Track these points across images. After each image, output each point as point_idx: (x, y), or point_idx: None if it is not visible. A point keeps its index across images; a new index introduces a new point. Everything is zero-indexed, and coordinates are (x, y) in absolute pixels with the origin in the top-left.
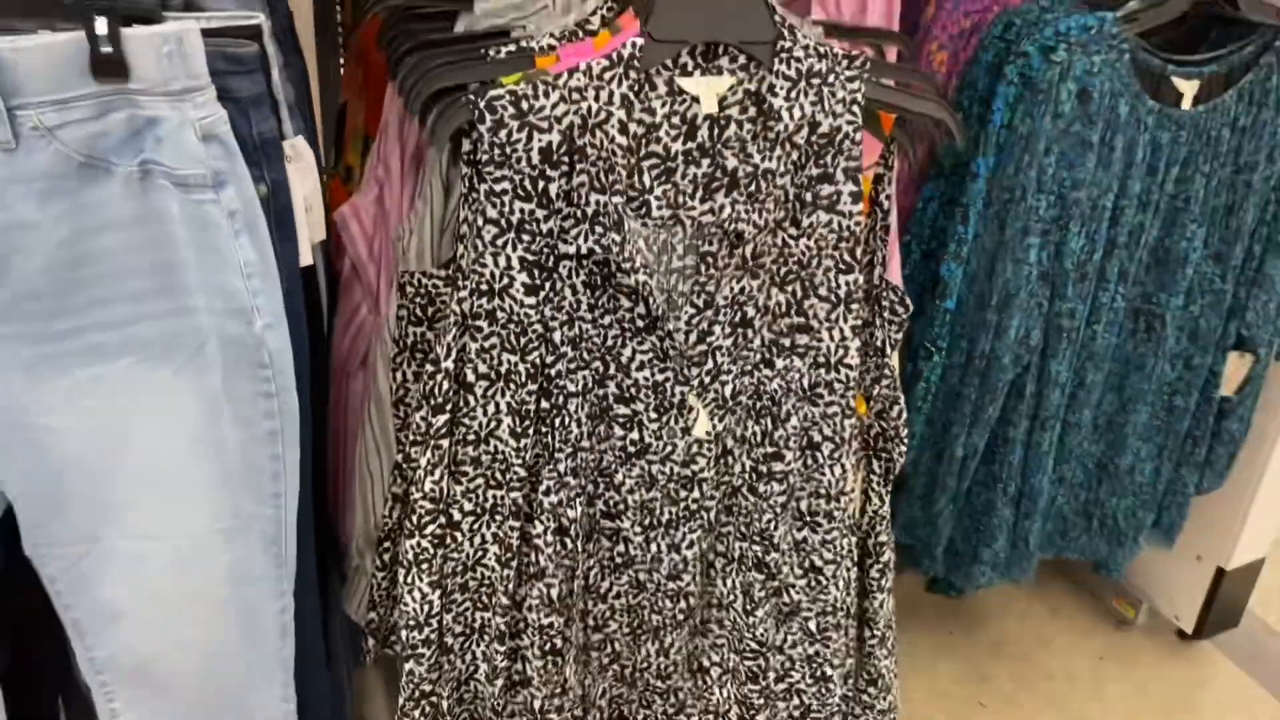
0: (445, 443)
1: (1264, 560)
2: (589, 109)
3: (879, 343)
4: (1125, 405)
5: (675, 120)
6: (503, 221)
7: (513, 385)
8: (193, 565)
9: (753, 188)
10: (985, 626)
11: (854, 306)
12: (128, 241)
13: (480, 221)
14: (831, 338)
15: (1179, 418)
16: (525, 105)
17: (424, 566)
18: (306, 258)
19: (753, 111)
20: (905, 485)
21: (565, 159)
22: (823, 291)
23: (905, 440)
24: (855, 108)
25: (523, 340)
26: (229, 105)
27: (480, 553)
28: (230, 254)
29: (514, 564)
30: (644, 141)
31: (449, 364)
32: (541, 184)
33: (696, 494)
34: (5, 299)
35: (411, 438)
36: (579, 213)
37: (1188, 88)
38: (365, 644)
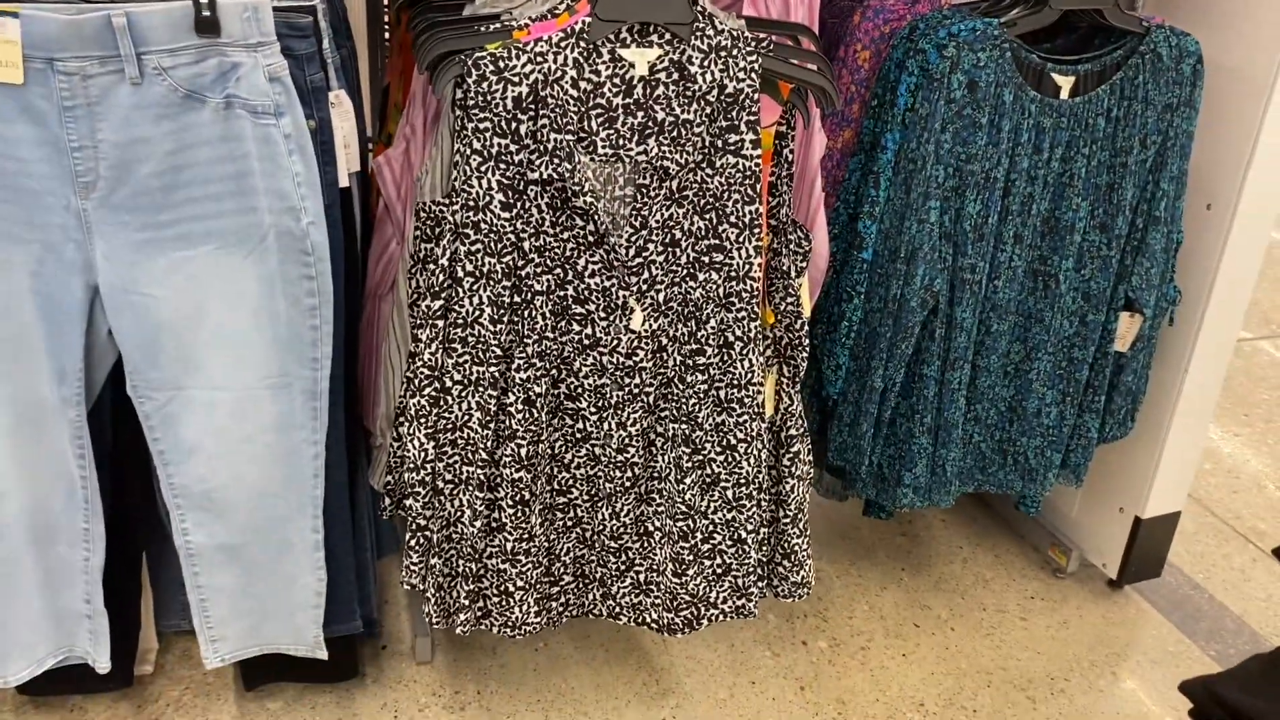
0: (440, 323)
1: (1179, 513)
2: (548, 69)
3: (785, 268)
4: (1030, 354)
5: (616, 80)
6: (485, 152)
7: (492, 282)
8: (249, 412)
9: (675, 134)
10: (931, 567)
11: (755, 231)
12: (214, 155)
13: (468, 152)
14: (740, 256)
15: (1078, 367)
16: (501, 64)
17: (421, 420)
18: (344, 180)
19: (676, 76)
20: (835, 413)
21: (531, 106)
22: (733, 219)
23: (805, 348)
24: (754, 75)
25: (499, 246)
26: (289, 59)
27: (466, 416)
28: (286, 166)
29: (491, 426)
30: (591, 95)
31: (444, 261)
32: (514, 124)
33: (637, 380)
34: (127, 194)
35: (416, 320)
36: (542, 148)
37: (1065, 82)
38: (382, 503)
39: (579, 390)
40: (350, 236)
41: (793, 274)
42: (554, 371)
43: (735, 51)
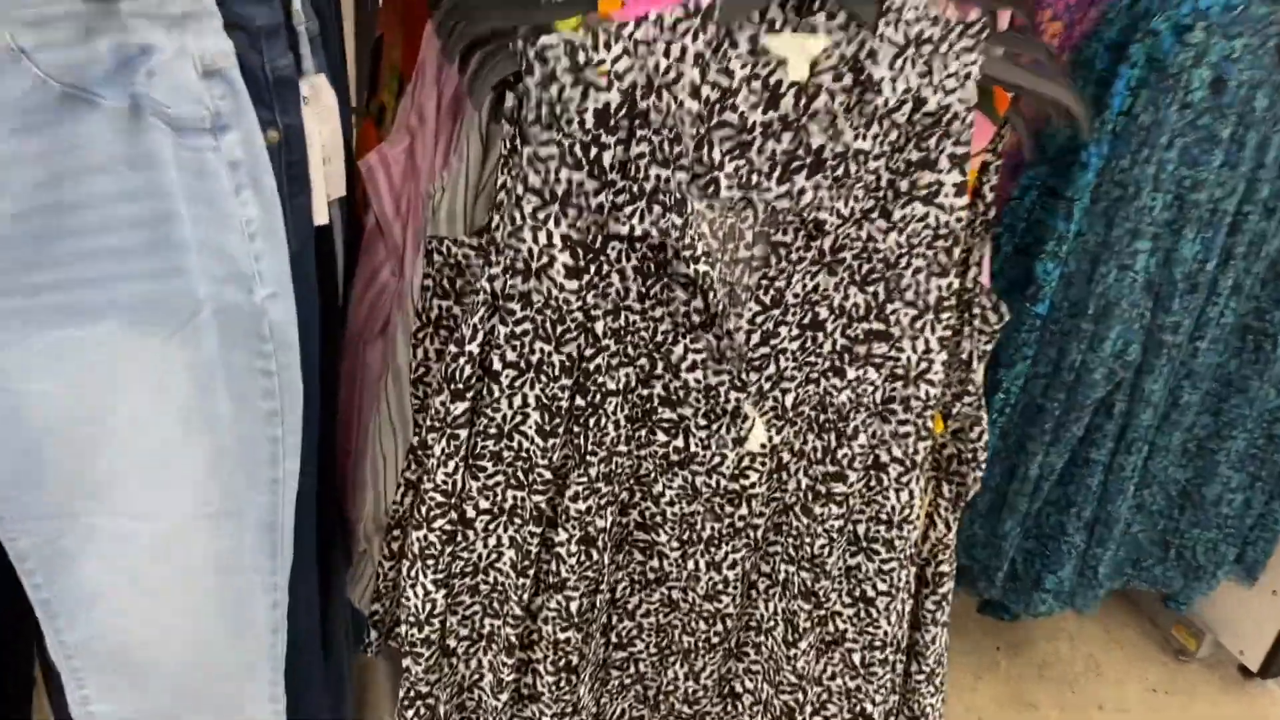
0: (464, 433)
1: None
2: (657, 66)
3: (965, 355)
4: (1221, 430)
5: (756, 85)
6: (546, 192)
7: (544, 378)
8: (178, 549)
9: (840, 170)
10: (1033, 646)
11: (944, 315)
12: (115, 188)
13: (521, 190)
14: (914, 349)
15: (1279, 447)
16: (582, 57)
17: (429, 562)
18: (321, 216)
19: (848, 80)
20: (970, 503)
21: (624, 124)
22: (909, 295)
23: (983, 465)
24: (969, 84)
25: (559, 329)
26: (238, 36)
27: (494, 555)
28: (230, 210)
29: (531, 572)
30: (717, 109)
31: (473, 347)
32: (594, 151)
33: (744, 510)
34: None
35: (428, 422)
36: (635, 188)
37: None
38: (367, 635)
39: (657, 520)
40: (330, 292)
41: (974, 362)
42: (624, 495)
43: (945, 46)
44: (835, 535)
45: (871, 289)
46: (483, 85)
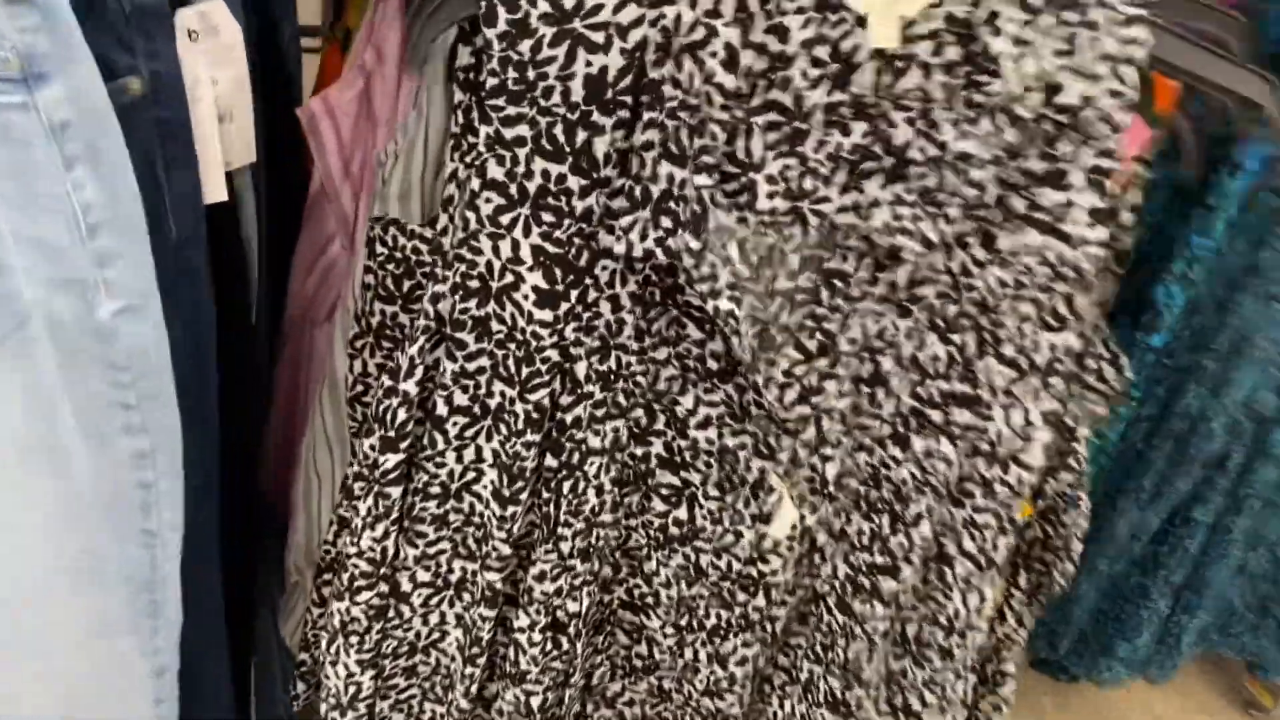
0: (395, 491)
1: None
2: (679, 19)
3: (1070, 419)
4: None
5: (820, 53)
6: (513, 188)
7: (504, 429)
8: (28, 612)
9: (931, 179)
10: (1081, 694)
11: (1053, 382)
12: None
13: (477, 183)
14: (1007, 421)
15: None
16: (570, 1)
17: (353, 640)
18: (217, 191)
19: (954, 53)
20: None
21: (627, 99)
22: (1008, 351)
23: (1075, 557)
24: (1129, 71)
25: (526, 370)
26: None
27: (437, 635)
28: (52, 191)
29: (482, 661)
30: (762, 84)
31: (409, 385)
32: (583, 135)
33: (760, 601)
34: None
35: (355, 468)
36: (638, 191)
37: None
38: (294, 685)
39: (648, 601)
40: (238, 294)
41: (1080, 430)
42: (607, 571)
43: (1097, 14)
44: (877, 639)
45: (957, 339)
46: (423, 34)
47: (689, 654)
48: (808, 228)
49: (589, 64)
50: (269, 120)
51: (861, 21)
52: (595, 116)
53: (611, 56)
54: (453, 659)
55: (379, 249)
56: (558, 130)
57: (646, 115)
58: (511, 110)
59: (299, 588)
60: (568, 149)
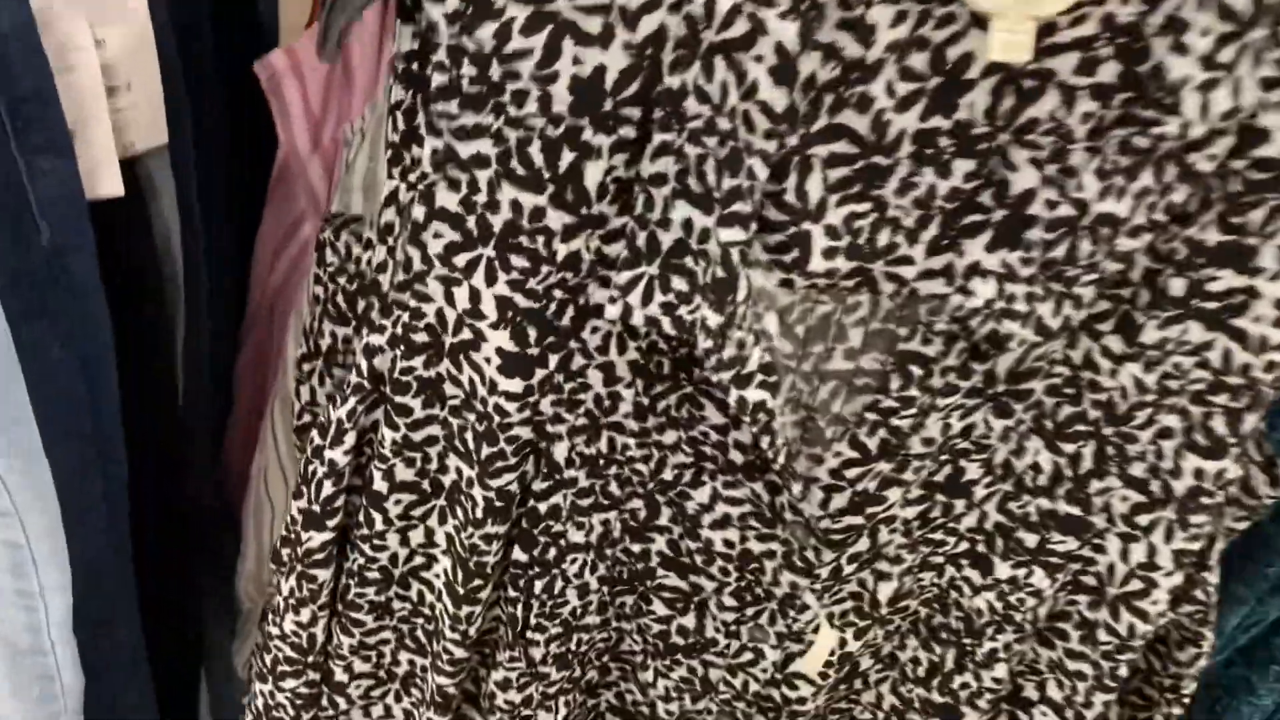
0: (323, 574)
1: None
2: (710, 7)
3: (1199, 545)
4: None
5: (917, 62)
6: (471, 222)
7: (460, 514)
8: None
9: (1060, 248)
10: None
11: (1196, 519)
12: None
13: (421, 212)
14: (1124, 558)
15: None
16: None
17: None
18: (108, 184)
19: (1111, 74)
20: None
21: (633, 112)
22: (1138, 471)
23: (1186, 701)
24: None
25: (488, 449)
26: None
27: None
28: None
29: None
30: (828, 99)
31: (336, 455)
32: (569, 158)
33: None
34: None
35: (285, 531)
36: (643, 237)
37: None
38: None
39: (643, 712)
40: (150, 311)
41: (1212, 551)
42: (593, 675)
43: None
44: None
45: (1070, 449)
46: (337, 13)
47: None
48: (878, 296)
49: (579, 61)
50: (233, 79)
51: (980, 22)
52: (587, 134)
53: (612, 53)
54: None
55: (329, 256)
56: (533, 150)
57: (659, 137)
58: (468, 120)
59: (251, 614)
60: (547, 175)
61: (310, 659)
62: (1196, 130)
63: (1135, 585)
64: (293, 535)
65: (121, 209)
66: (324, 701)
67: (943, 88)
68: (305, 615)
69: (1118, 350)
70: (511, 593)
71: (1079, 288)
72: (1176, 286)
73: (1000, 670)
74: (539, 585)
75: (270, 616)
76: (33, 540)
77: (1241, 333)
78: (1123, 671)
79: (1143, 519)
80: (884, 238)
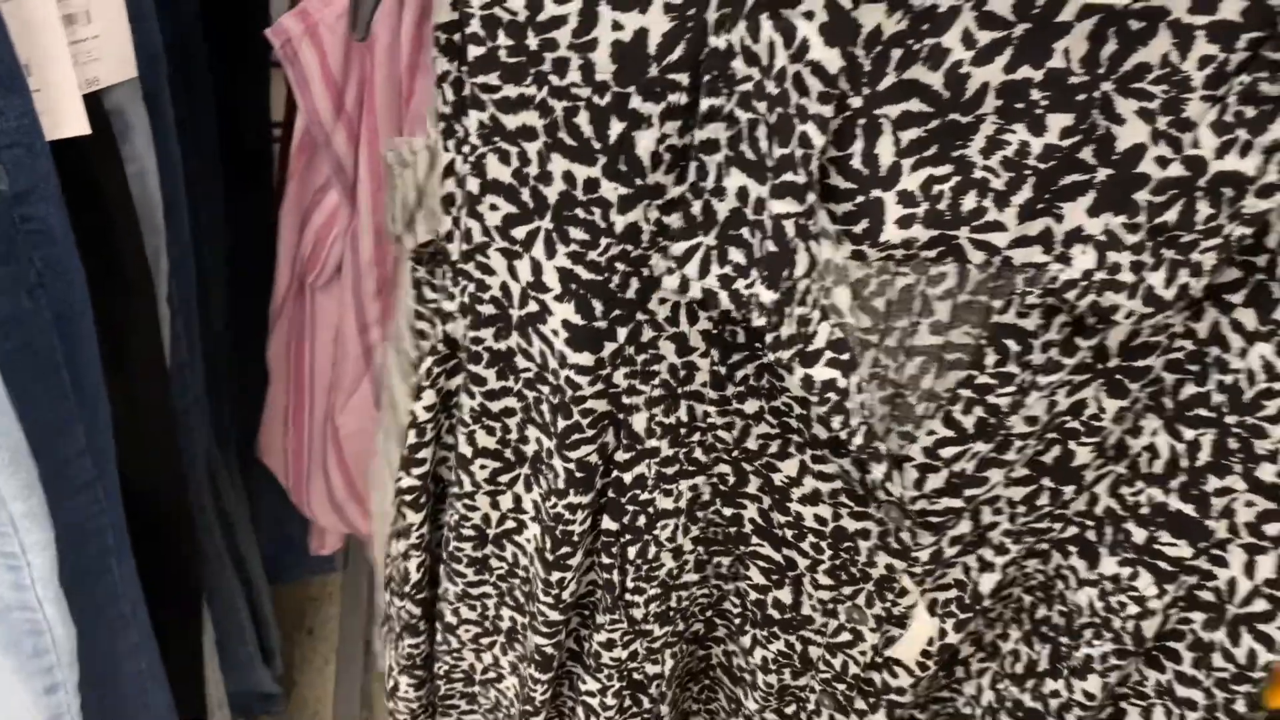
0: (415, 516)
1: None
2: None
3: None
4: None
5: (999, 7)
6: (525, 194)
7: (545, 485)
8: None
9: (1174, 210)
10: None
11: None
12: None
13: (477, 185)
14: (1247, 571)
15: None
16: None
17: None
18: (73, 122)
19: (1233, 10)
20: None
21: (681, 77)
22: (1268, 474)
23: None
24: None
25: (564, 422)
26: None
27: (493, 675)
28: None
29: (542, 717)
30: (896, 54)
31: (418, 409)
32: (619, 127)
33: (881, 717)
34: None
35: (399, 500)
36: (699, 206)
37: None
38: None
39: (744, 678)
40: (124, 242)
41: None
42: (699, 626)
43: None
44: None
45: (1191, 435)
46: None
47: None
48: (966, 266)
49: (618, 26)
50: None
51: None
52: (635, 102)
53: (652, 16)
54: (510, 704)
55: (427, 294)
56: (581, 120)
57: (708, 102)
58: (511, 91)
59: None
60: (598, 145)
61: (406, 589)
62: None
63: (1260, 605)
64: (398, 475)
65: (90, 149)
66: (438, 638)
67: (1031, 34)
68: (400, 546)
69: (1250, 326)
70: (605, 559)
71: (1197, 254)
72: None
73: (1093, 684)
74: (632, 551)
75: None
76: (8, 500)
77: None
78: (1239, 707)
79: (1272, 529)
80: (969, 202)
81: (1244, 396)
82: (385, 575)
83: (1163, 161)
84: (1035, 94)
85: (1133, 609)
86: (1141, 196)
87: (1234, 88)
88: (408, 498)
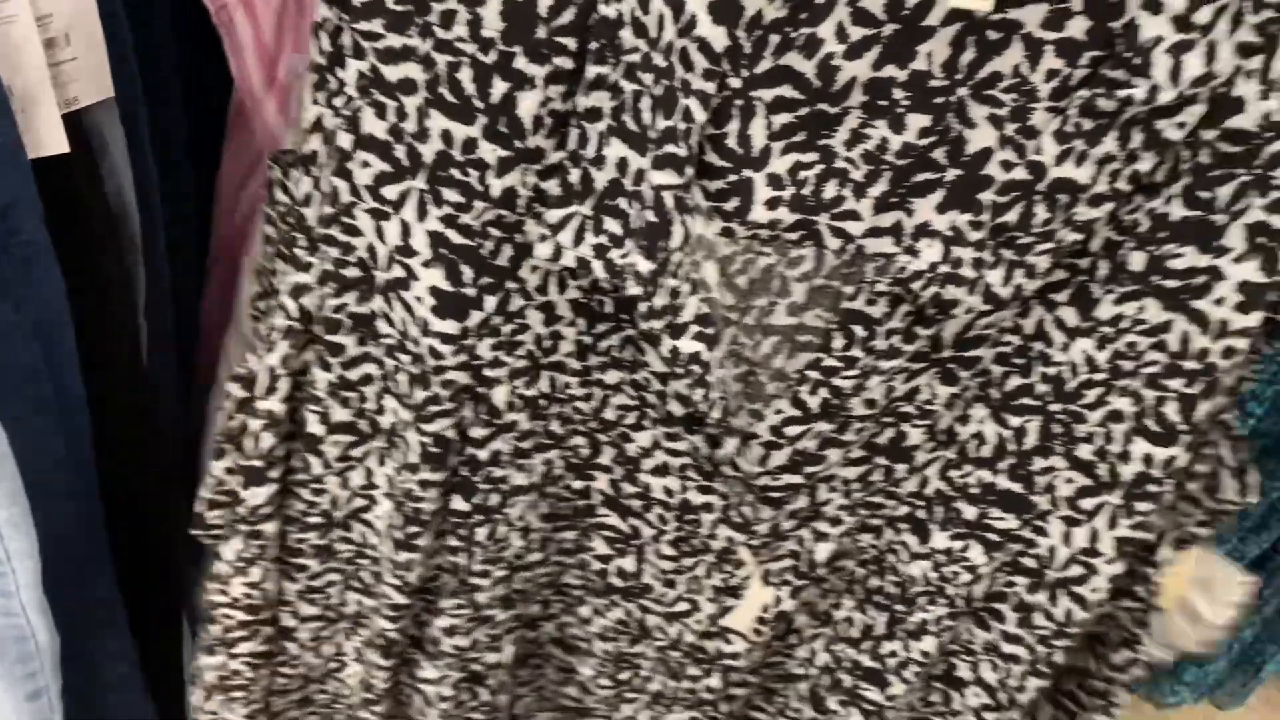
0: (271, 527)
1: None
2: None
3: (1144, 535)
4: None
5: (872, 4)
6: (400, 151)
7: (398, 458)
8: None
9: (1014, 211)
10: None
11: (1141, 506)
12: None
13: (348, 140)
14: (1065, 540)
15: None
16: None
17: (237, 695)
18: (52, 141)
19: (1081, 30)
20: None
21: (568, 41)
22: (1084, 453)
23: (1118, 706)
24: None
25: (421, 394)
26: None
27: (334, 665)
28: None
29: (380, 708)
30: (774, 39)
31: (273, 404)
32: (502, 87)
33: (715, 682)
34: None
35: (208, 493)
36: (576, 174)
37: None
38: None
39: (580, 646)
40: (103, 248)
41: (1161, 550)
42: (535, 608)
43: None
44: None
45: (1016, 421)
46: None
47: (627, 710)
48: (823, 251)
49: None
50: (185, 10)
51: None
52: (520, 63)
53: None
54: (351, 692)
55: (280, 196)
56: (463, 76)
57: (594, 70)
58: (394, 40)
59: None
60: (479, 105)
61: (263, 615)
62: (1166, 95)
63: (1075, 570)
64: (228, 497)
65: (70, 166)
66: (275, 653)
67: (899, 35)
68: (256, 574)
69: (1071, 323)
70: (453, 541)
71: (1032, 256)
72: (1136, 261)
73: (929, 643)
74: (481, 533)
75: (211, 587)
76: None
77: (1201, 315)
78: (1058, 658)
79: (1087, 503)
80: (830, 190)
81: (1066, 386)
82: (215, 632)
83: (1007, 165)
84: (898, 93)
85: (965, 577)
86: (986, 197)
87: (1075, 100)
88: (264, 510)
